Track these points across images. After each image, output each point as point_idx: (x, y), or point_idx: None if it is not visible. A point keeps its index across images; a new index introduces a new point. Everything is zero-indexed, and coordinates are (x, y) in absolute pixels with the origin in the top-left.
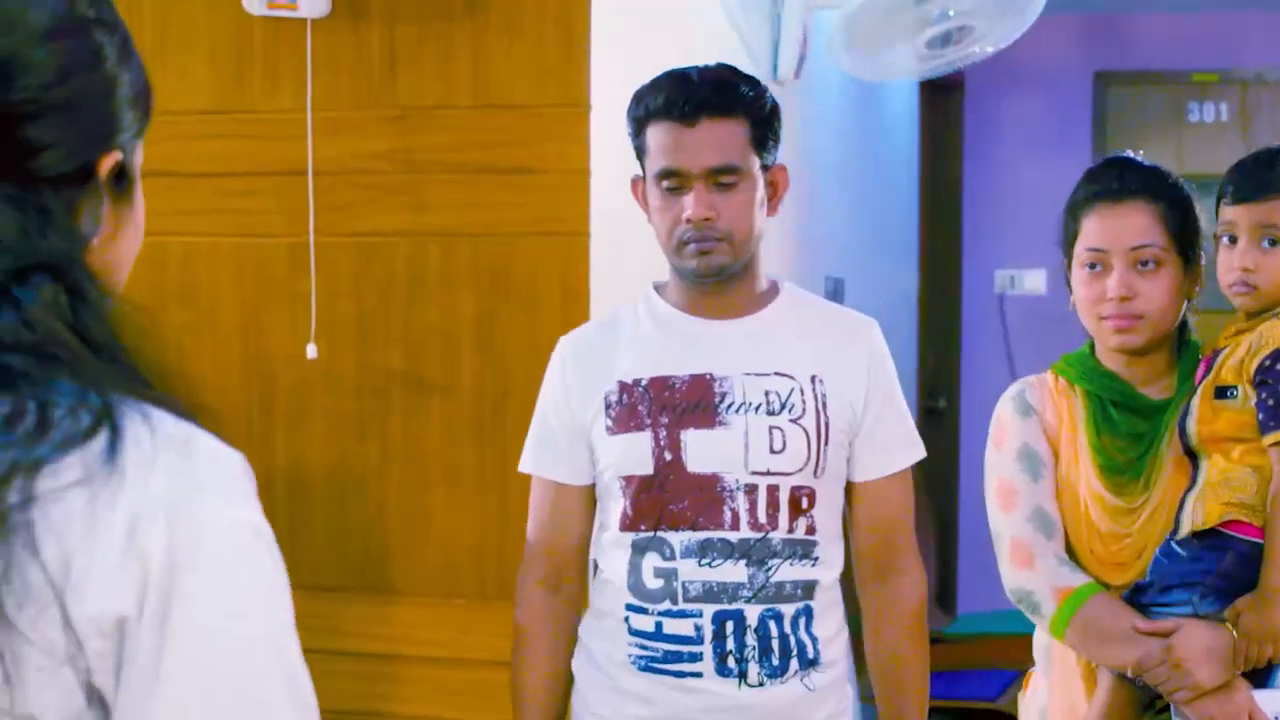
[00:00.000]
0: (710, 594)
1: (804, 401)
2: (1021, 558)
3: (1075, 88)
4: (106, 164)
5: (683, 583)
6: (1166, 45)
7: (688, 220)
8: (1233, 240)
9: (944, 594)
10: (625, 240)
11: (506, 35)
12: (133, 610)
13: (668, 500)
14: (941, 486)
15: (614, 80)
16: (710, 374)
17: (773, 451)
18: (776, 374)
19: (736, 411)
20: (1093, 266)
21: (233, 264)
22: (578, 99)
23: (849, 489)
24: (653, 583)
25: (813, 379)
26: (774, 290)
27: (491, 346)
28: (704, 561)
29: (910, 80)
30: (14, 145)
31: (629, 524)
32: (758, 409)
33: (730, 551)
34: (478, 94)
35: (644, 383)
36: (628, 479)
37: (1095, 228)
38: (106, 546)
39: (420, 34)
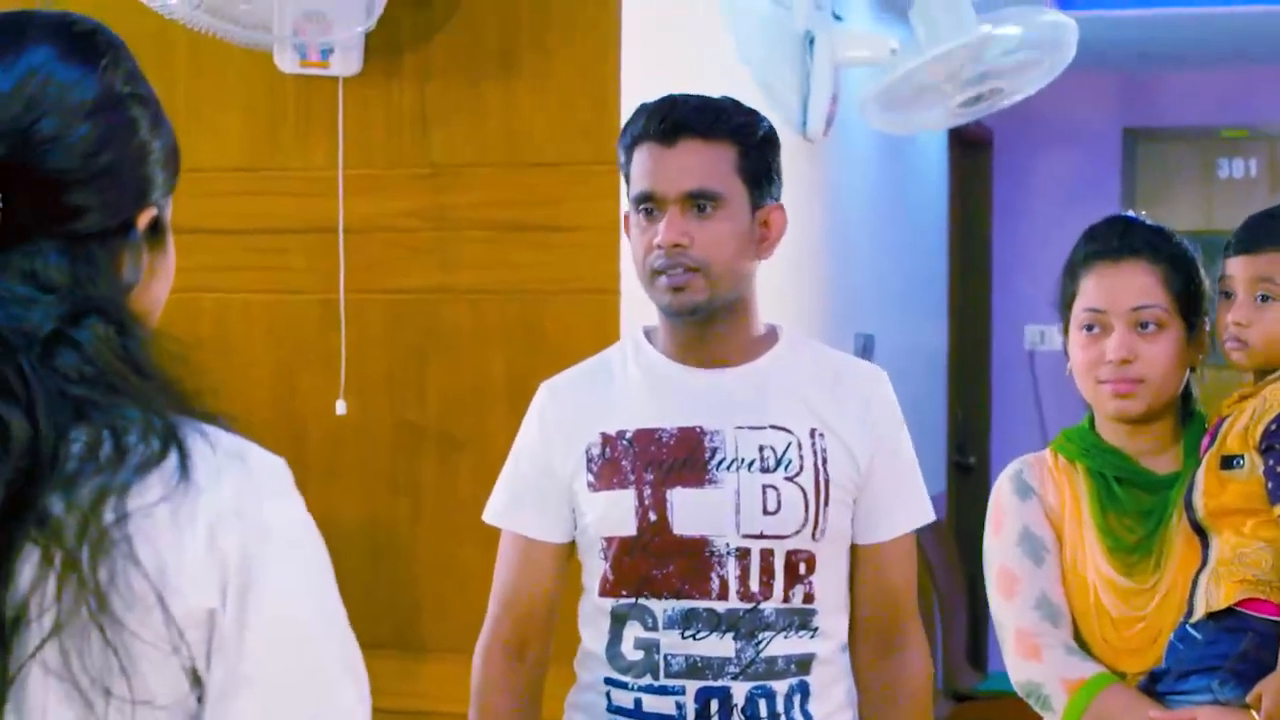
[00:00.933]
0: (694, 669)
1: (802, 458)
2: (1027, 648)
3: (1105, 144)
4: (144, 219)
5: (665, 656)
6: (1195, 101)
7: (658, 245)
8: (1230, 295)
9: (975, 651)
10: None
11: (538, 93)
12: (218, 603)
13: (651, 565)
14: (971, 543)
15: None
16: (700, 427)
17: (766, 512)
18: (772, 427)
19: (728, 468)
20: (1090, 328)
21: (264, 320)
22: (608, 157)
23: (851, 553)
24: (633, 655)
25: (812, 433)
26: (773, 336)
27: (522, 403)
28: (688, 633)
29: (940, 136)
30: (61, 208)
31: (609, 589)
32: (751, 466)
33: (717, 623)
34: (509, 152)
35: (629, 435)
36: (609, 540)
37: (1094, 287)
38: (193, 551)
39: (452, 92)
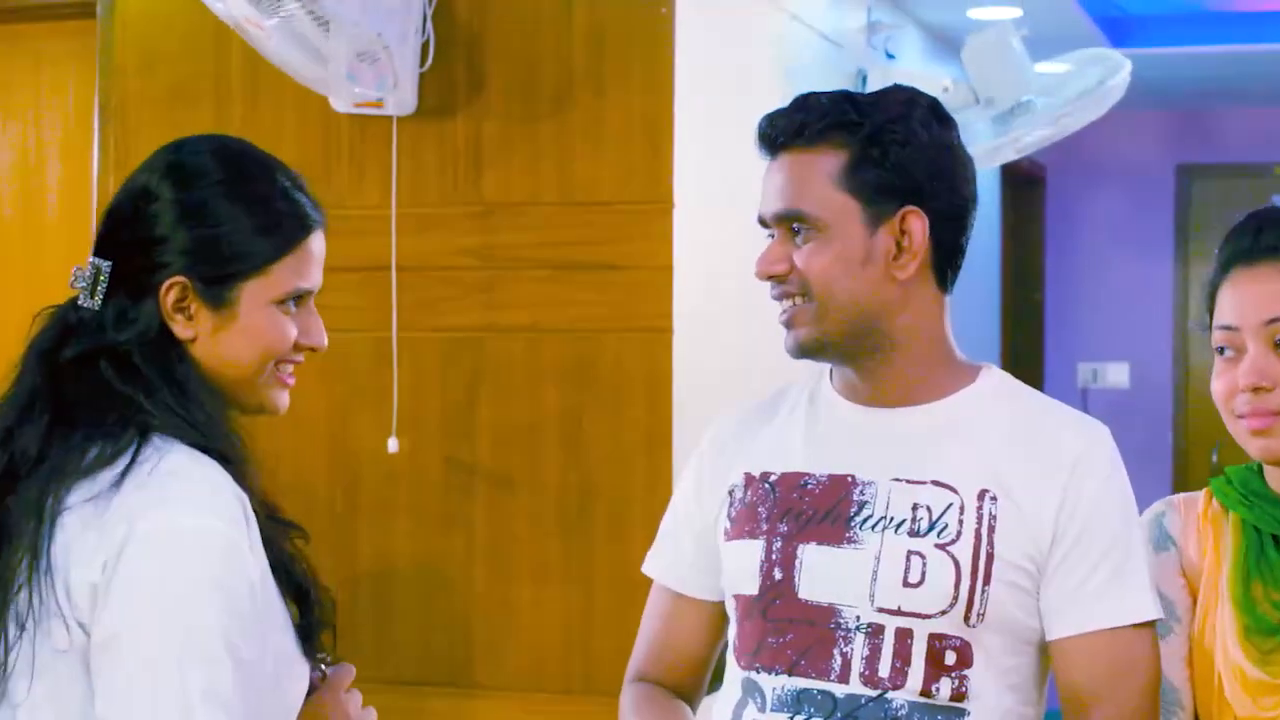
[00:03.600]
0: None
1: (962, 523)
2: None
3: (1158, 181)
4: (165, 289)
5: None
6: (1249, 139)
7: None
8: (1227, 350)
9: None
10: (709, 336)
11: (591, 133)
12: (100, 579)
13: (768, 631)
14: None
15: (697, 177)
16: (852, 476)
17: (907, 584)
18: (934, 483)
19: (873, 528)
20: (1223, 351)
21: (318, 358)
22: (662, 196)
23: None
24: None
25: (981, 495)
26: (970, 375)
27: (576, 441)
28: (797, 718)
29: (992, 173)
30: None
31: (737, 656)
32: (899, 527)
33: (830, 709)
34: (562, 191)
35: (774, 478)
36: (737, 599)
37: (1228, 300)
38: (94, 539)
39: (505, 132)
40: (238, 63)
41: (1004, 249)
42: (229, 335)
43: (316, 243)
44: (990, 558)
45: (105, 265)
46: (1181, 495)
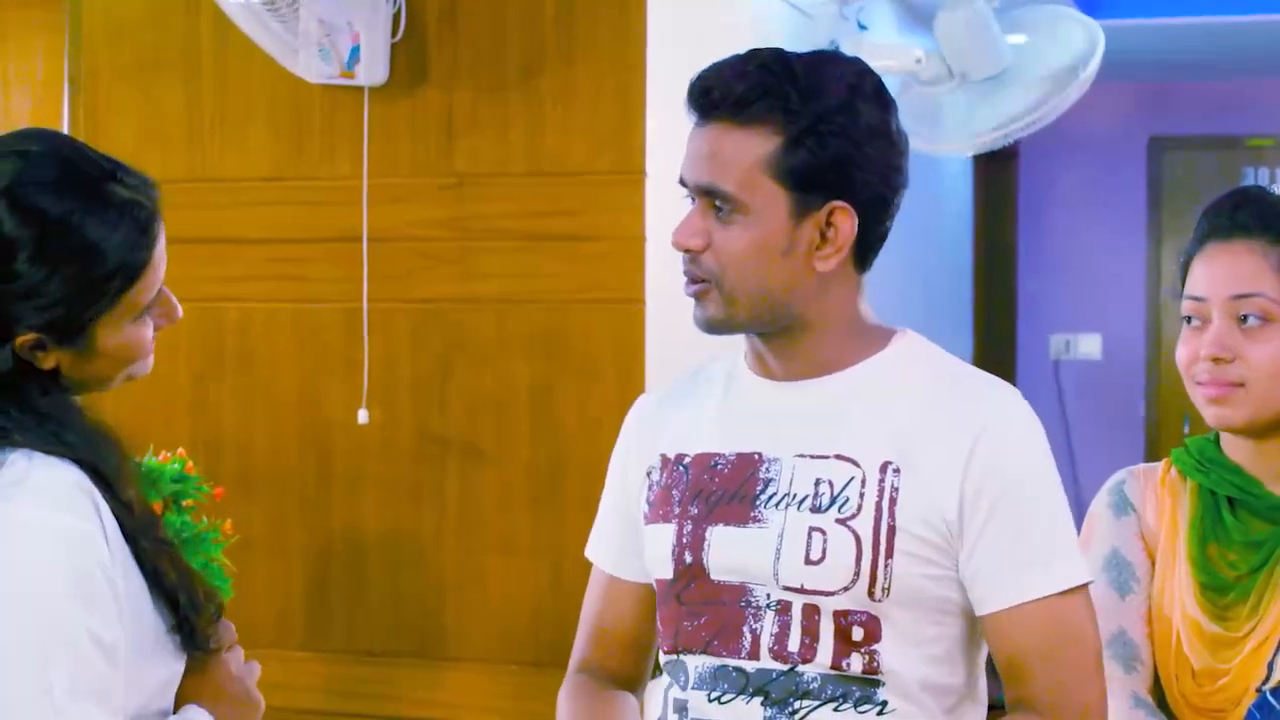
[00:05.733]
0: None
1: (863, 496)
2: None
3: (1130, 153)
4: (21, 341)
5: None
6: (1220, 110)
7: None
8: (1194, 320)
9: None
10: (681, 308)
11: (562, 103)
12: None
13: (684, 614)
14: None
15: (669, 147)
16: (759, 454)
17: (809, 562)
18: (837, 457)
19: (777, 506)
20: (1189, 320)
21: (288, 330)
22: (633, 166)
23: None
24: (670, 717)
25: (884, 467)
26: (880, 343)
27: (547, 413)
28: (714, 695)
29: None
30: None
31: (661, 640)
32: (802, 503)
33: (744, 684)
34: (533, 161)
35: (687, 460)
36: (657, 583)
37: (1200, 272)
38: None
39: (476, 102)
40: (207, 33)
41: (976, 222)
42: (90, 362)
43: (159, 245)
44: (892, 530)
45: None
46: (1142, 465)
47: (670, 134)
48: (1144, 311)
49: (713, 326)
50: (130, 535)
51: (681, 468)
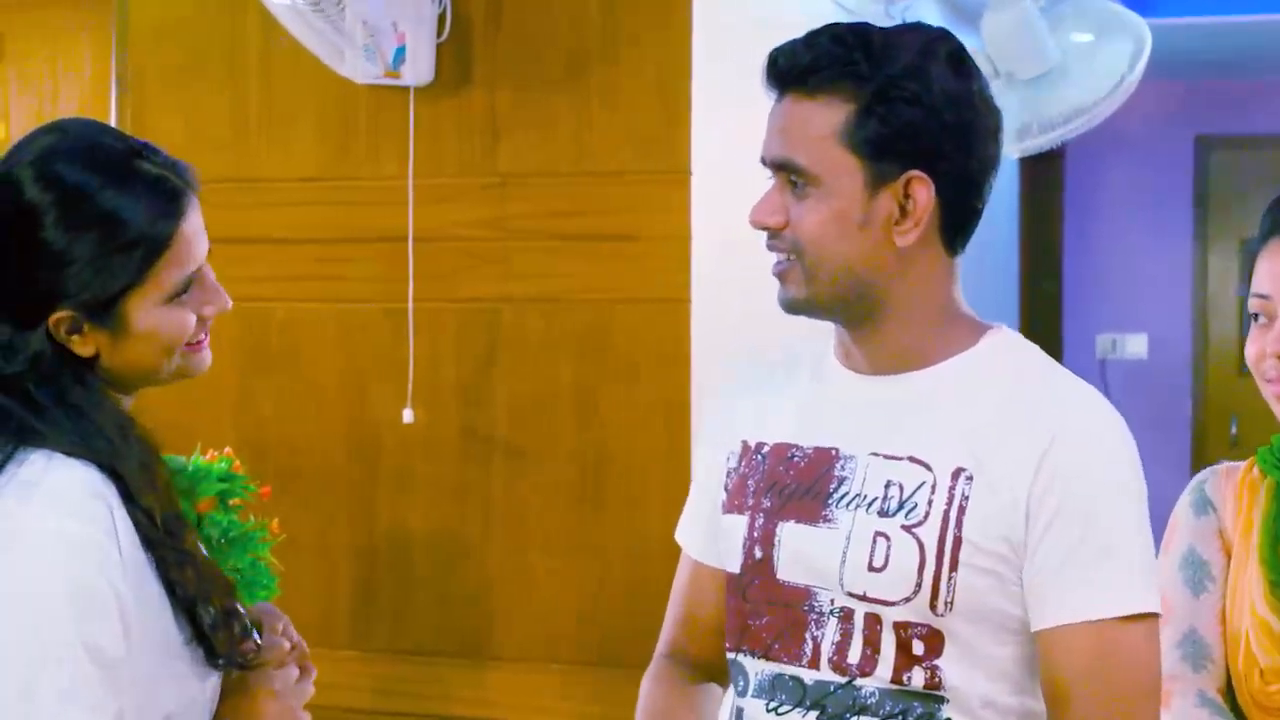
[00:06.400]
0: None
1: (931, 503)
2: (1163, 694)
3: (1176, 152)
4: (52, 322)
5: None
6: (1267, 109)
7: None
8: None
9: None
10: (726, 306)
11: (607, 103)
12: None
13: (749, 612)
14: None
15: (714, 147)
16: (836, 450)
17: (872, 568)
18: (910, 459)
19: (848, 506)
20: (1256, 317)
21: (334, 329)
22: (678, 166)
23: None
24: None
25: (956, 474)
26: (971, 338)
27: (592, 412)
28: (771, 705)
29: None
30: None
31: (726, 636)
32: (870, 505)
33: (800, 696)
34: (578, 161)
35: (766, 449)
36: (727, 576)
37: (1264, 269)
38: None
39: (521, 102)
40: (254, 34)
41: (1022, 220)
42: (128, 345)
43: (191, 222)
44: (958, 542)
45: None
46: (1226, 463)
47: (715, 133)
48: (1190, 311)
49: (794, 306)
50: (150, 543)
51: (760, 456)
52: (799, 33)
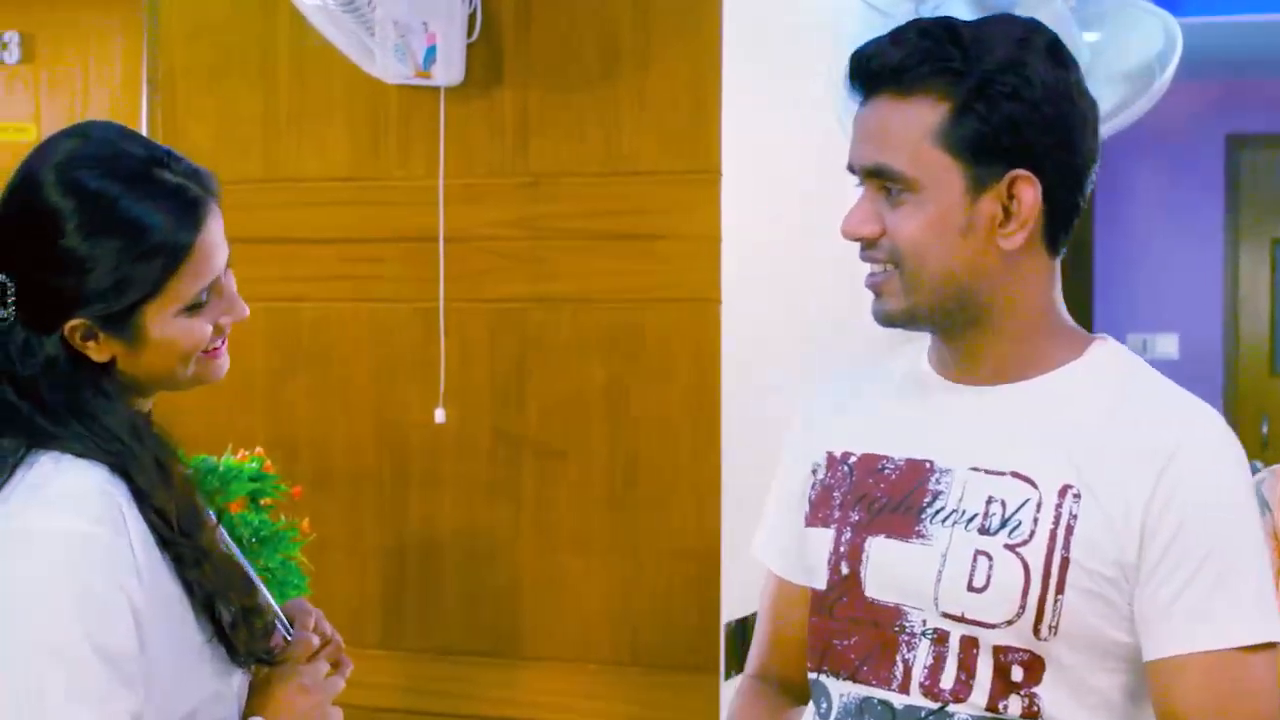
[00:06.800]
0: None
1: (1037, 521)
2: None
3: (1206, 151)
4: (68, 329)
5: None
6: None
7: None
8: None
9: None
10: (757, 306)
11: (637, 102)
12: None
13: (835, 631)
14: None
15: (745, 146)
16: (931, 462)
17: (972, 588)
18: (1013, 475)
19: (944, 522)
20: None
21: (365, 330)
22: (708, 165)
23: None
24: None
25: (1063, 491)
26: (1076, 349)
27: (623, 412)
28: None
29: None
30: None
31: (808, 655)
32: (970, 522)
33: None
34: (609, 161)
35: (853, 459)
36: (811, 592)
37: None
38: None
39: (552, 102)
40: (284, 34)
41: None
42: (144, 353)
43: (210, 232)
44: (1065, 563)
45: (10, 284)
46: None
47: (746, 133)
48: (1221, 311)
49: (892, 319)
50: (164, 542)
51: (846, 467)
52: (830, 33)
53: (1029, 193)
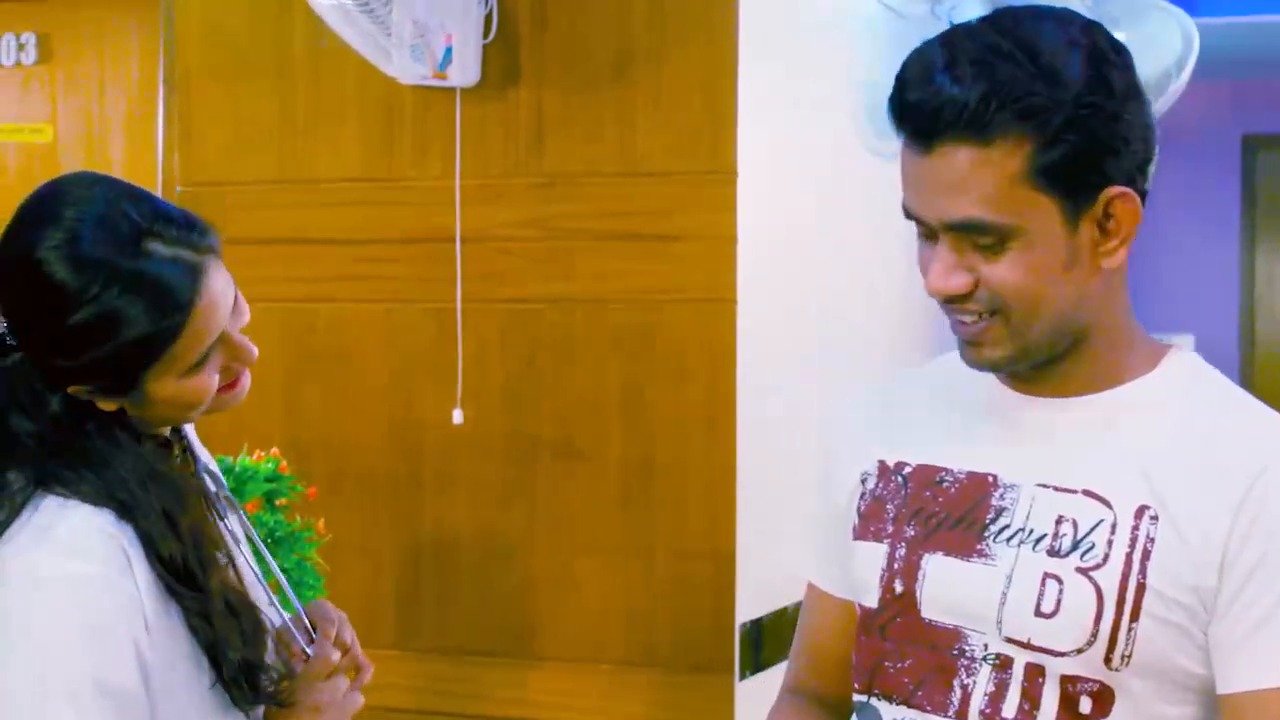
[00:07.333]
0: None
1: (1111, 544)
2: None
3: (1223, 153)
4: (74, 390)
5: None
6: None
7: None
8: None
9: None
10: (773, 307)
11: (653, 103)
12: None
13: (887, 652)
14: None
15: (760, 147)
16: (994, 476)
17: (1040, 613)
18: (1085, 493)
19: (1009, 541)
20: None
21: (381, 330)
22: (725, 166)
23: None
24: None
25: (1140, 512)
26: (1150, 361)
27: (639, 413)
28: None
29: None
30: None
31: (854, 674)
32: (1038, 543)
33: None
34: (624, 162)
35: (908, 470)
36: (860, 609)
37: None
38: None
39: (567, 103)
40: (300, 35)
41: None
42: (150, 409)
43: (208, 294)
44: (1141, 589)
45: (8, 337)
46: None
47: (761, 134)
48: (1237, 312)
49: (998, 367)
50: (170, 591)
51: (900, 478)
52: (844, 34)
53: (1127, 208)
